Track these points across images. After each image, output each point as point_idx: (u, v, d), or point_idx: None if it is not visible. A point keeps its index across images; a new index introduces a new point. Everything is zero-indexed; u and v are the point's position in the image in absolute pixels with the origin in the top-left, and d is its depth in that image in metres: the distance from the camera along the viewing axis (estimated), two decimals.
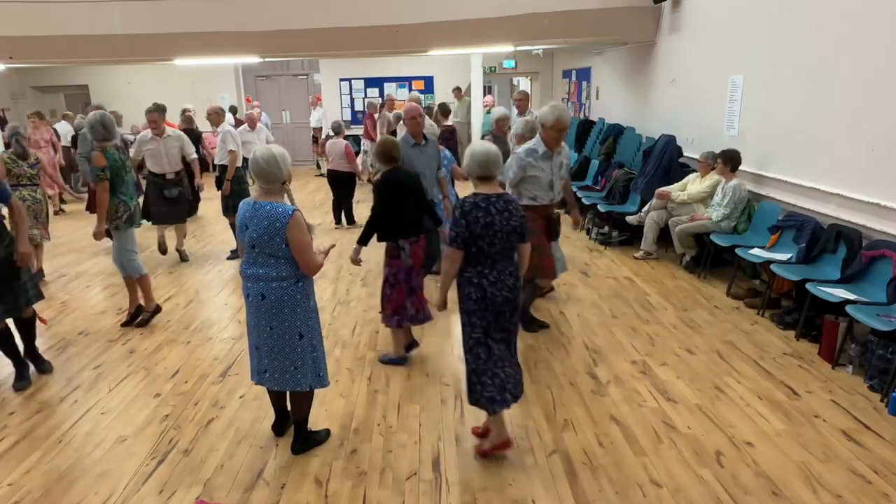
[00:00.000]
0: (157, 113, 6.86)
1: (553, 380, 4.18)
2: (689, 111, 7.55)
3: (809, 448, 3.34)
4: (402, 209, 4.22)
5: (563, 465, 3.25)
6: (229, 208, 7.21)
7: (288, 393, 3.43)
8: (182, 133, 7.37)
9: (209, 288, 6.34)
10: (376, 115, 11.53)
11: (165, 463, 3.36)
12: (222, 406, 3.97)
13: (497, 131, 6.67)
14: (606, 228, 7.71)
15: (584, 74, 11.97)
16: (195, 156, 7.23)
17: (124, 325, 5.33)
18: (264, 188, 3.11)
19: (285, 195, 3.18)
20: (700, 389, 4.00)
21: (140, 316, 5.35)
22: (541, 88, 14.81)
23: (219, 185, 7.44)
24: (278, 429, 3.60)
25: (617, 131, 9.42)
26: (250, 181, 6.84)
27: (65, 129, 11.53)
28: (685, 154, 7.47)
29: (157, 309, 5.46)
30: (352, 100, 15.14)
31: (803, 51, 5.36)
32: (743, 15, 6.33)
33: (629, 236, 7.38)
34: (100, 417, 3.86)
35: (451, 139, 9.32)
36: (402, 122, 6.83)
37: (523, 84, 16.60)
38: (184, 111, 9.92)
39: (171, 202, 7.05)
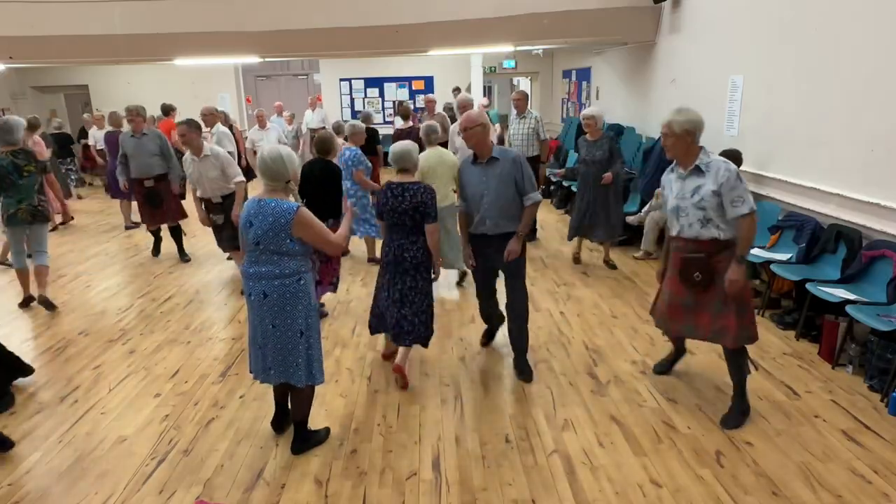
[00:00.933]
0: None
1: (553, 380, 4.18)
2: None
3: (809, 448, 3.34)
4: (310, 195, 4.71)
5: (563, 465, 3.26)
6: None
7: (289, 393, 3.47)
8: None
9: (209, 288, 6.34)
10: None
11: (165, 463, 3.36)
12: (222, 406, 3.97)
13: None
14: None
15: (584, 74, 11.97)
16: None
17: (20, 305, 5.84)
18: (269, 186, 3.17)
19: (290, 195, 3.22)
20: (700, 389, 4.00)
21: (30, 303, 5.82)
22: (541, 88, 14.82)
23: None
24: (277, 425, 3.63)
25: (617, 131, 9.41)
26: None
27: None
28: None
29: (46, 302, 5.69)
30: (352, 100, 15.14)
31: (803, 51, 5.36)
32: (743, 15, 6.33)
33: (629, 236, 7.39)
34: (100, 417, 3.86)
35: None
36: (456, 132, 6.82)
37: (523, 84, 16.61)
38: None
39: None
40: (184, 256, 7.38)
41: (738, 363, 3.58)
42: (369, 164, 6.65)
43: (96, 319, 5.54)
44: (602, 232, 6.44)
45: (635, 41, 8.78)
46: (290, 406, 3.53)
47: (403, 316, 4.09)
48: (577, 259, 6.78)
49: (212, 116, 7.59)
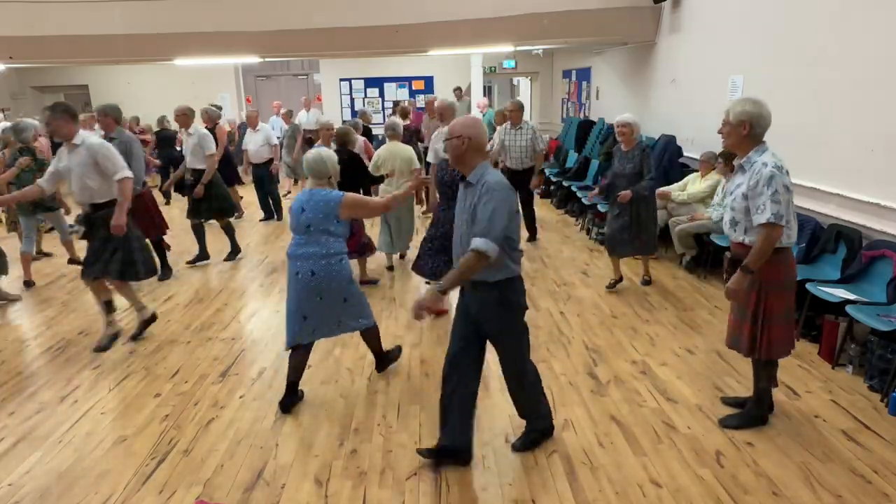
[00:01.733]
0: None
1: (553, 380, 4.18)
2: (689, 111, 7.55)
3: (809, 448, 3.33)
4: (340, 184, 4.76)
5: (563, 465, 3.25)
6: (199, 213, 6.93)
7: (362, 336, 4.16)
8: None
9: (209, 288, 6.34)
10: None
11: (165, 463, 3.36)
12: (222, 406, 3.97)
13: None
14: (606, 228, 7.70)
15: (584, 74, 11.98)
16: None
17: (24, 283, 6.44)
18: (316, 182, 3.81)
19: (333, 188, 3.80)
20: (700, 389, 4.00)
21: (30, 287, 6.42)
22: (541, 88, 14.82)
23: (188, 187, 6.98)
24: (286, 405, 3.84)
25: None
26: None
27: None
28: (685, 154, 7.48)
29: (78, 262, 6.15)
30: (352, 100, 15.14)
31: (803, 51, 5.36)
32: (743, 15, 6.34)
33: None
34: (100, 417, 3.86)
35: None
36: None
37: (523, 84, 16.61)
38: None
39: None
40: (164, 272, 6.54)
41: (757, 370, 3.51)
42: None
43: (96, 319, 5.53)
44: (635, 247, 5.84)
45: (635, 41, 8.78)
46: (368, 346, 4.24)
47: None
48: (613, 284, 5.94)
49: (184, 117, 6.83)
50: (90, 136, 4.74)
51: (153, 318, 5.11)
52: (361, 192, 5.63)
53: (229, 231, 7.25)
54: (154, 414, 3.88)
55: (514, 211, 2.97)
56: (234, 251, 7.32)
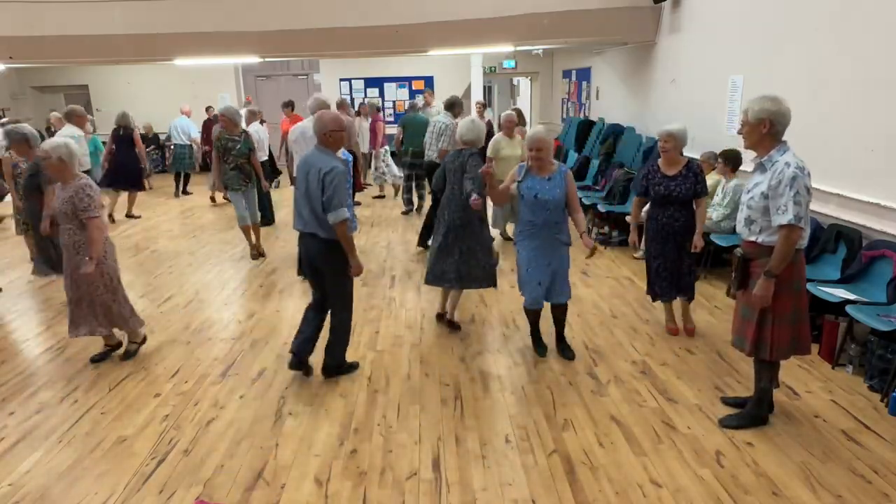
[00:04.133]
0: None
1: (553, 380, 4.18)
2: (689, 111, 7.55)
3: (809, 448, 3.33)
4: None
5: (563, 465, 3.25)
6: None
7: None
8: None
9: (209, 288, 6.34)
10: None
11: (165, 463, 3.36)
12: (222, 406, 3.97)
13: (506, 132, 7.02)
14: (606, 228, 7.71)
15: (584, 74, 11.98)
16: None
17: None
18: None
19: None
20: (700, 389, 4.00)
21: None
22: (541, 88, 14.82)
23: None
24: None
25: (617, 131, 9.42)
26: None
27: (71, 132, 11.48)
28: (685, 154, 7.46)
29: None
30: (352, 100, 15.14)
31: (803, 51, 5.36)
32: (743, 15, 6.34)
33: (625, 237, 7.38)
34: (100, 417, 3.86)
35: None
36: None
37: (523, 84, 16.60)
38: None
39: None
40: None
41: (758, 370, 3.49)
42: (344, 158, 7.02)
43: None
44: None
45: (635, 41, 8.78)
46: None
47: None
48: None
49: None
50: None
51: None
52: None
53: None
54: (154, 414, 3.88)
55: None
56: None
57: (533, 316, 4.51)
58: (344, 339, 4.26)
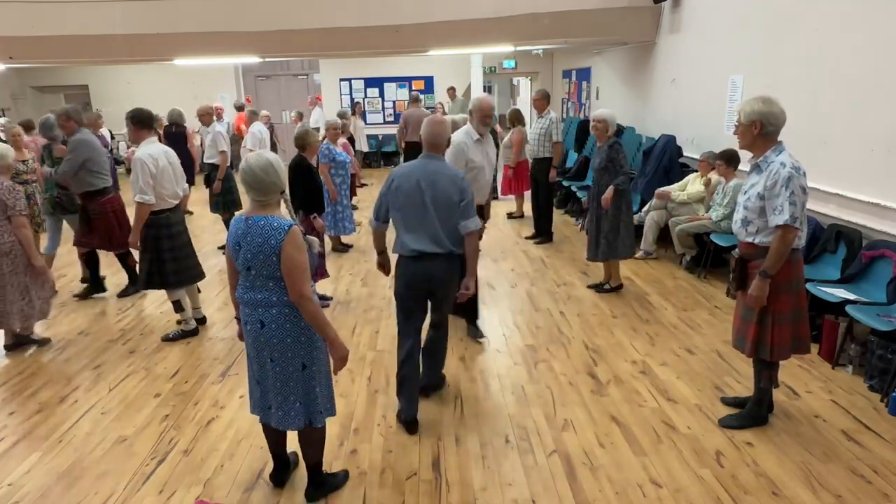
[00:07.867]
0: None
1: (553, 380, 4.18)
2: (689, 111, 7.55)
3: (809, 448, 3.33)
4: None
5: (563, 465, 3.25)
6: (219, 206, 7.64)
7: (297, 434, 2.99)
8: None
9: (209, 288, 6.34)
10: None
11: (165, 463, 3.36)
12: (222, 406, 3.97)
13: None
14: None
15: (584, 74, 11.98)
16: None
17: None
18: (258, 201, 2.68)
19: (283, 206, 2.82)
20: (700, 389, 4.00)
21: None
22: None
23: (207, 183, 7.79)
24: (278, 477, 3.13)
25: (617, 131, 9.40)
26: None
27: None
28: (685, 154, 7.48)
29: None
30: (352, 100, 15.14)
31: (803, 51, 5.36)
32: (743, 15, 6.33)
33: None
34: (100, 417, 3.86)
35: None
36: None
37: (523, 84, 16.61)
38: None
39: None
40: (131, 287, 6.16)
41: (758, 371, 3.49)
42: (342, 159, 7.14)
43: (96, 319, 5.54)
44: (593, 251, 5.75)
45: (635, 41, 8.79)
46: (298, 452, 3.14)
47: None
48: (599, 286, 5.89)
49: (208, 116, 7.90)
50: None
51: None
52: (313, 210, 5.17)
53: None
54: (154, 414, 3.88)
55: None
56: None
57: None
58: (446, 347, 3.98)
